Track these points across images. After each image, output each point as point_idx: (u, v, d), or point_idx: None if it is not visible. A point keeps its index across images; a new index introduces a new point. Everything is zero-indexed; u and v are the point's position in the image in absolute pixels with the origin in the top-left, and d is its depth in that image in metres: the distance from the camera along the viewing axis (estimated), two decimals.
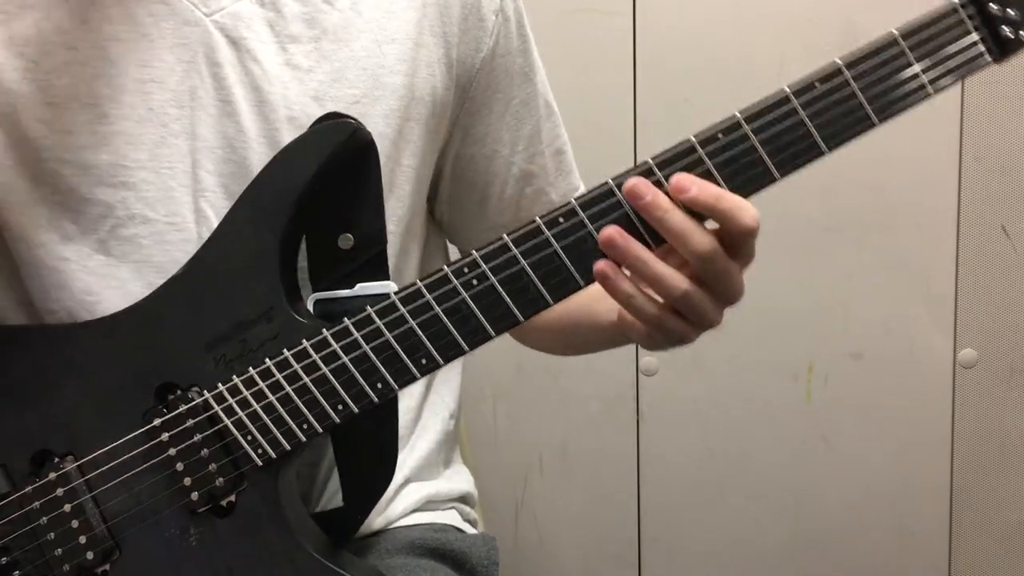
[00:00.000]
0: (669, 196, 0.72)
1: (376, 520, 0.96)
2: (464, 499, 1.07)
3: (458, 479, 1.07)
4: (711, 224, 0.73)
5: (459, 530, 1.03)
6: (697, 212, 0.72)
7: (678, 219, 0.71)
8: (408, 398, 1.01)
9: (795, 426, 1.81)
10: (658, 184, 0.72)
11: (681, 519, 1.86)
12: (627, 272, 0.74)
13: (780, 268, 1.73)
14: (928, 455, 1.80)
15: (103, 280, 0.86)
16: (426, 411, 1.03)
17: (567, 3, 1.68)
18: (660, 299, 0.75)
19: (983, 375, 1.78)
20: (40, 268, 0.86)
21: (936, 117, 1.69)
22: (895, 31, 0.70)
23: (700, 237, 0.72)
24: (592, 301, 0.86)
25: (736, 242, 0.73)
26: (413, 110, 0.91)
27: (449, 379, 1.06)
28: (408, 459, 1.00)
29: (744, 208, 0.72)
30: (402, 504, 0.99)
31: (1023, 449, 1.79)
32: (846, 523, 1.83)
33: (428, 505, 1.01)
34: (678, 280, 0.73)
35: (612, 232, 0.72)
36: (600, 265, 0.73)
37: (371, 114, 0.88)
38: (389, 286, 0.81)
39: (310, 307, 0.82)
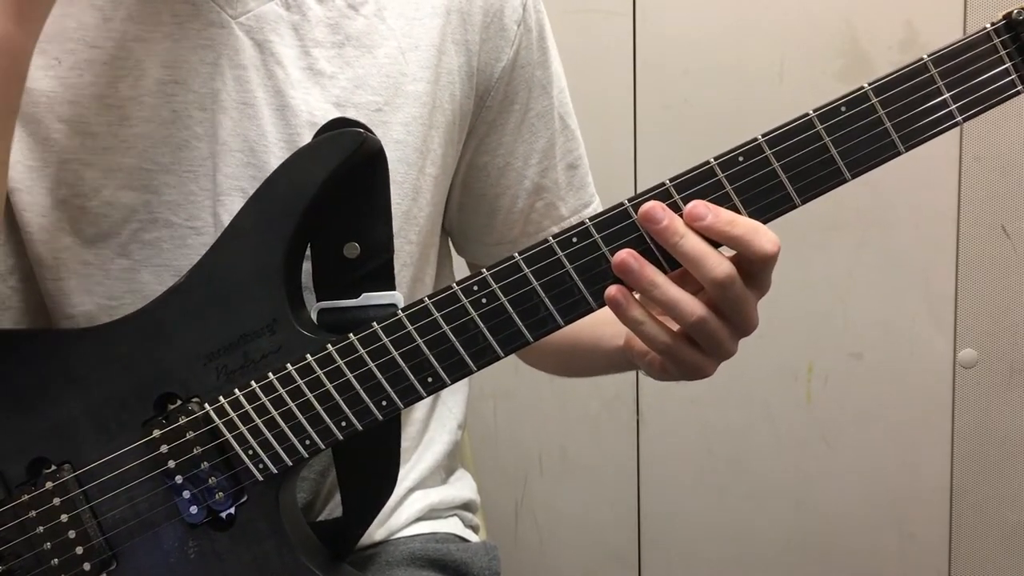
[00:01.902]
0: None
1: (378, 531, 0.96)
2: (466, 506, 1.06)
3: (460, 486, 1.06)
4: (729, 251, 0.71)
5: (461, 538, 1.02)
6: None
7: (694, 244, 0.69)
8: (416, 410, 1.00)
9: (795, 426, 1.81)
10: (675, 206, 0.71)
11: (681, 519, 1.86)
12: (640, 297, 0.72)
13: (779, 267, 1.70)
14: (928, 455, 1.80)
15: (124, 284, 0.84)
16: (433, 423, 1.02)
17: (567, 3, 1.68)
18: (674, 327, 0.73)
19: (983, 375, 1.78)
20: (62, 271, 0.84)
21: None
22: (926, 57, 0.68)
23: (716, 262, 0.69)
24: (599, 324, 0.84)
25: (754, 268, 0.71)
26: (435, 118, 0.89)
27: (457, 390, 1.05)
28: (413, 471, 0.99)
29: (760, 232, 0.70)
30: (405, 514, 0.98)
31: (1023, 449, 1.79)
32: (846, 523, 1.83)
33: (430, 513, 1.00)
34: (693, 305, 0.71)
35: (626, 256, 0.70)
36: (612, 291, 0.71)
37: (392, 122, 0.87)
38: (395, 296, 0.80)
39: (313, 316, 0.80)
